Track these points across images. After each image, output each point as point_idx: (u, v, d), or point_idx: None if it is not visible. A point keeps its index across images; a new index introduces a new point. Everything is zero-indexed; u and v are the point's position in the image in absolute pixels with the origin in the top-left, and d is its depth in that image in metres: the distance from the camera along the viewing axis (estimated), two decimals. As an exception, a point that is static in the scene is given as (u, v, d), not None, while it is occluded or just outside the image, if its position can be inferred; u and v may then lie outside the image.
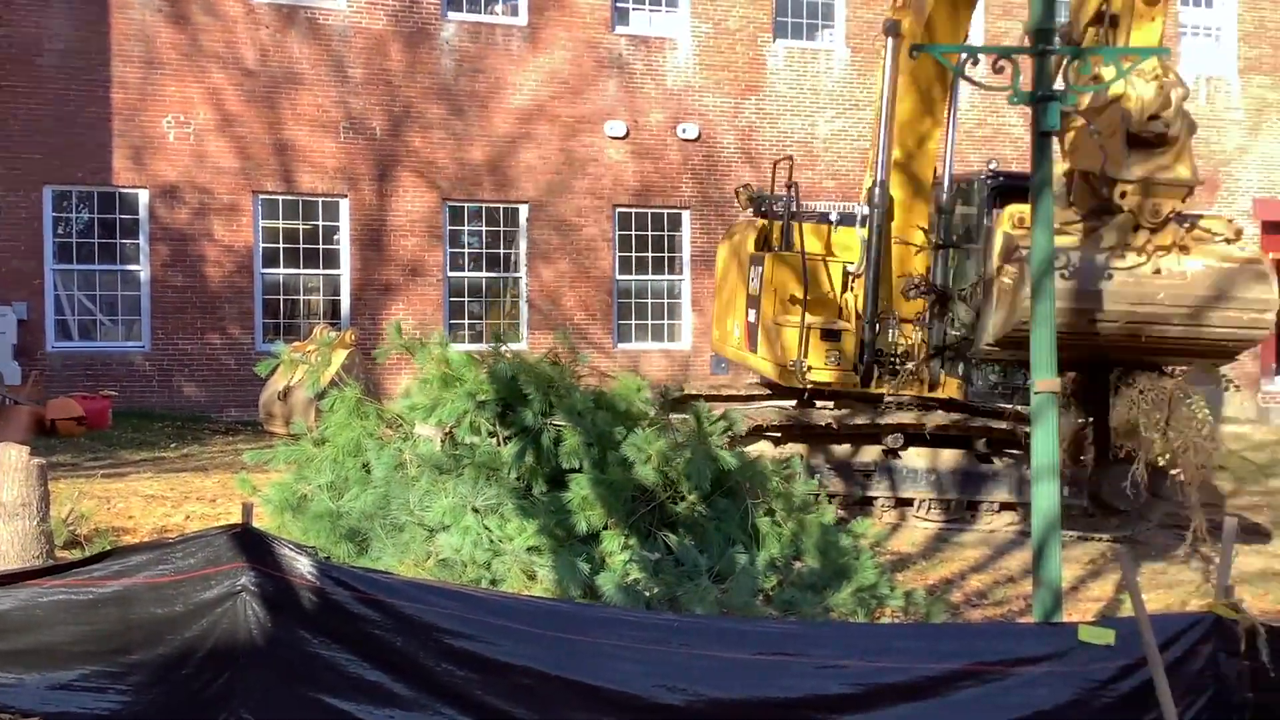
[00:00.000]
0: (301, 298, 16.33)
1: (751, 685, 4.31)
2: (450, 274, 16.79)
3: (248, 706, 4.63)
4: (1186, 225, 6.52)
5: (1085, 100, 6.55)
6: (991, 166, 11.08)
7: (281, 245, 16.15)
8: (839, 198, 17.51)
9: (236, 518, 4.75)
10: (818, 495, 7.84)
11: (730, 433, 7.50)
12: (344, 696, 4.52)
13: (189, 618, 4.64)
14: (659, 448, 6.80)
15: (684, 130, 17.52)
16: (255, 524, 4.78)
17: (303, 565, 4.56)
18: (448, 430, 7.20)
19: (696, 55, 17.78)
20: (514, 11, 16.99)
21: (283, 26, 16.01)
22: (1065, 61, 6.27)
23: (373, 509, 6.82)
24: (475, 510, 6.50)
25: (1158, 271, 6.41)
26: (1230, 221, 6.76)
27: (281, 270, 16.12)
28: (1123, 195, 6.45)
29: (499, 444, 7.06)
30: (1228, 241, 6.45)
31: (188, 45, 15.65)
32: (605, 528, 6.66)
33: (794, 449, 10.19)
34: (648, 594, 6.20)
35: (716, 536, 6.82)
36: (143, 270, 15.60)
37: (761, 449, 9.86)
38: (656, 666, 4.33)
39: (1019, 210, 6.72)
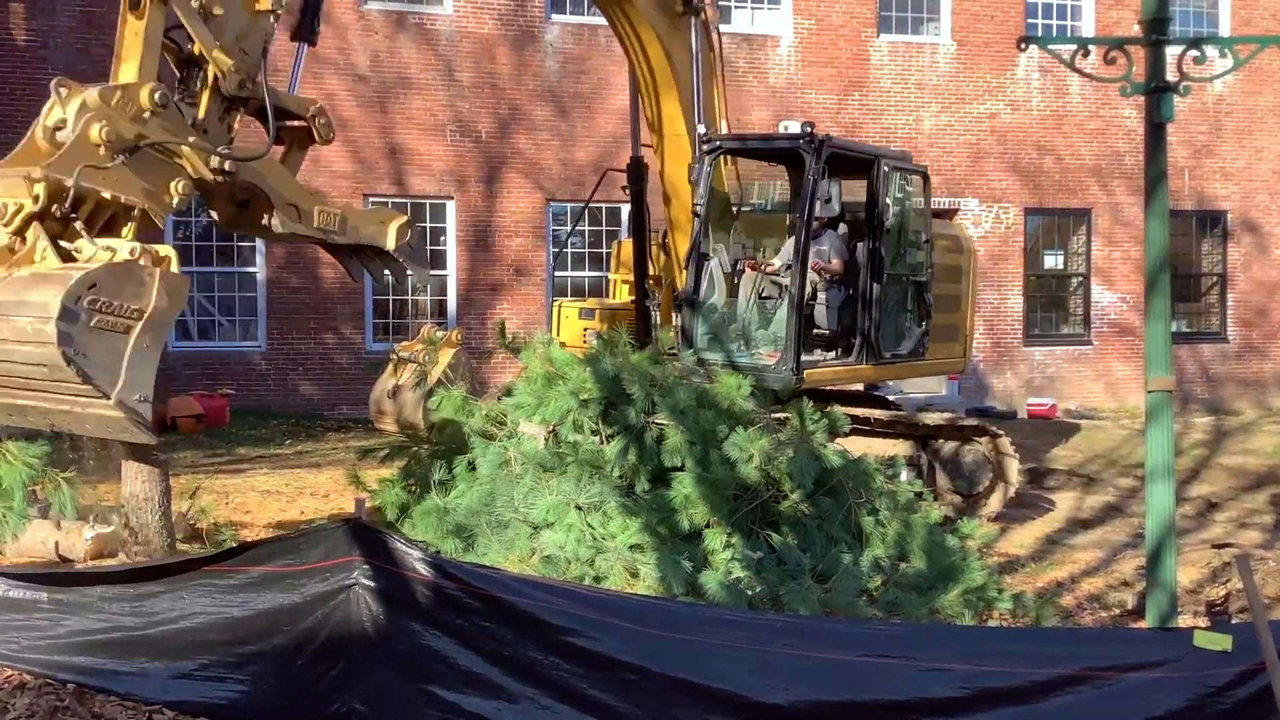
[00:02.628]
0: (410, 298, 16.65)
1: (856, 687, 4.30)
2: (554, 273, 16.96)
3: (360, 698, 4.75)
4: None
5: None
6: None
7: (391, 246, 16.47)
8: (945, 194, 17.28)
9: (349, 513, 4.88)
10: (922, 494, 7.75)
11: (833, 431, 7.45)
12: (453, 689, 4.61)
13: (306, 609, 4.79)
14: (761, 446, 6.79)
15: (786, 128, 17.40)
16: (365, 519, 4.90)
17: (415, 559, 4.66)
18: (551, 428, 7.28)
19: (799, 52, 17.67)
20: (617, 12, 17.06)
21: (393, 32, 16.33)
22: (1181, 51, 6.13)
23: (478, 506, 6.93)
24: (578, 508, 6.56)
25: None
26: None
27: (391, 271, 16.45)
28: None
29: (602, 442, 7.12)
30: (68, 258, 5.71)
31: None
32: (708, 526, 6.68)
33: (898, 446, 10.09)
34: (750, 593, 6.19)
35: (819, 536, 6.78)
36: (259, 272, 16.07)
37: (854, 446, 9.76)
38: (760, 666, 4.34)
39: None
